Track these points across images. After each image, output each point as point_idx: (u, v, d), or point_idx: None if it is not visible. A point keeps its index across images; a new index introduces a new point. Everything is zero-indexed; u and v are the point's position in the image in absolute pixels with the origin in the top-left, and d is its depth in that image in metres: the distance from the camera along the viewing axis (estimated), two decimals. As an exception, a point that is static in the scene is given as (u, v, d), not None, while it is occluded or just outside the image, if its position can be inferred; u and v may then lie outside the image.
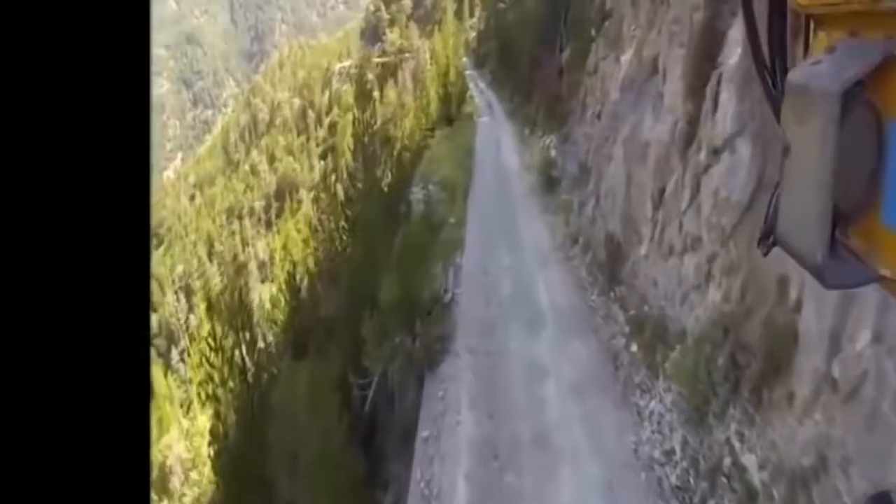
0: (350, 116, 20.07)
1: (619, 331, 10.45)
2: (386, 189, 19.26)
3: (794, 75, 0.90)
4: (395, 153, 33.36)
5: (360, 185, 18.41)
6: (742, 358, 7.84)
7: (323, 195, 18.87)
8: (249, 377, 13.30)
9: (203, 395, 12.91)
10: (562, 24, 26.36)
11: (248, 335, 13.66)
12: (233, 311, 13.10)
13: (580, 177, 15.73)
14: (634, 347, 9.83)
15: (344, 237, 17.53)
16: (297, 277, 21.02)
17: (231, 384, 13.05)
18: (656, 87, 11.51)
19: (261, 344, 15.18)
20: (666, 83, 10.91)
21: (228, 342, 12.98)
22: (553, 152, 20.58)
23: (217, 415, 12.35)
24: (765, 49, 1.05)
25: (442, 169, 23.76)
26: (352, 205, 18.26)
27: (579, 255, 13.38)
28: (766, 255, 1.04)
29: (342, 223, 17.74)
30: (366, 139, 19.41)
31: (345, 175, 19.49)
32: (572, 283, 12.31)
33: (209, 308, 12.42)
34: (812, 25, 0.96)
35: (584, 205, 14.33)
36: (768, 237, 0.98)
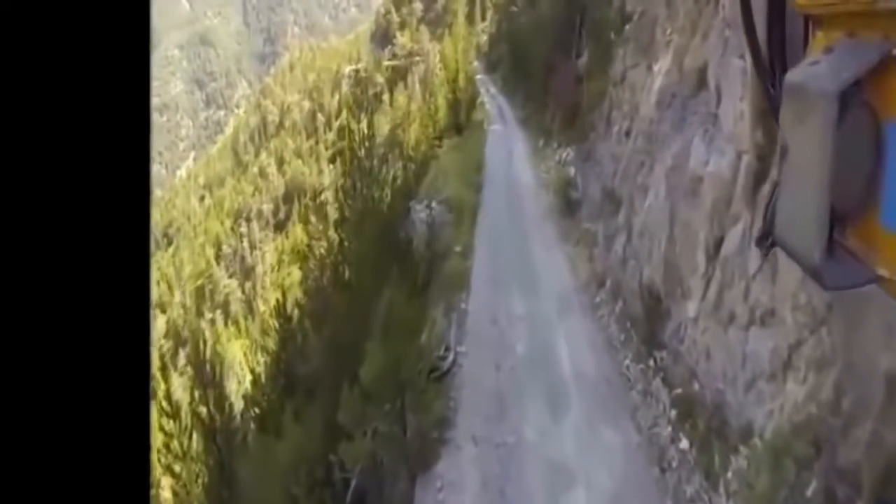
0: (351, 125, 17.97)
1: (662, 414, 8.32)
2: (385, 209, 17.12)
3: (793, 75, 0.91)
4: (401, 165, 31.38)
5: (353, 203, 16.36)
6: (842, 490, 5.73)
7: (313, 217, 16.81)
8: (216, 444, 11.31)
9: (161, 464, 10.95)
10: (577, 27, 24.66)
11: (216, 391, 11.68)
12: (197, 364, 11.10)
13: (605, 204, 13.58)
14: (684, 443, 7.69)
15: (335, 263, 15.44)
16: (288, 306, 19.08)
17: (194, 452, 11.06)
18: (707, 107, 9.37)
19: (237, 392, 13.12)
20: (721, 103, 8.77)
21: (190, 405, 10.99)
22: (572, 170, 18.45)
23: (175, 493, 10.39)
24: (763, 49, 1.07)
25: (448, 185, 21.70)
26: (346, 225, 16.17)
27: (607, 301, 11.23)
28: (765, 255, 1.38)
29: (334, 248, 15.67)
30: (362, 153, 17.37)
31: (340, 192, 17.44)
32: (600, 341, 10.16)
33: (163, 368, 10.44)
34: (810, 26, 0.96)
35: (612, 239, 12.18)
36: (766, 238, 1.02)
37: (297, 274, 19.20)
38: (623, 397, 8.70)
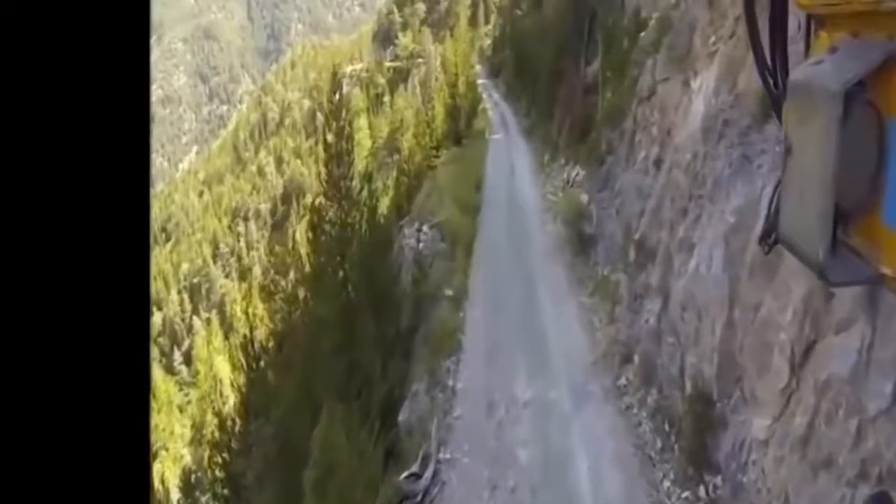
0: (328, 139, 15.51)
1: (722, 585, 5.89)
2: (366, 238, 14.66)
3: (796, 75, 0.92)
4: (394, 176, 28.97)
5: (329, 230, 13.97)
6: None
7: (278, 247, 14.35)
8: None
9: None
10: (586, 32, 22.60)
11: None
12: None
13: (629, 249, 11.14)
14: None
15: (302, 310, 13.03)
16: (256, 345, 16.75)
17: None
18: (781, 146, 6.97)
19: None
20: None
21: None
22: (584, 197, 16.02)
23: None
24: (766, 48, 1.05)
25: (443, 206, 19.28)
26: (316, 260, 13.72)
27: (636, 386, 8.78)
28: (767, 253, 1.11)
29: (298, 288, 13.24)
30: (339, 171, 15.00)
31: (315, 217, 15.01)
32: (629, 449, 7.68)
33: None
34: (813, 25, 0.97)
35: (641, 301, 9.75)
36: (770, 236, 1.03)
37: (262, 308, 16.83)
38: (664, 550, 6.28)
